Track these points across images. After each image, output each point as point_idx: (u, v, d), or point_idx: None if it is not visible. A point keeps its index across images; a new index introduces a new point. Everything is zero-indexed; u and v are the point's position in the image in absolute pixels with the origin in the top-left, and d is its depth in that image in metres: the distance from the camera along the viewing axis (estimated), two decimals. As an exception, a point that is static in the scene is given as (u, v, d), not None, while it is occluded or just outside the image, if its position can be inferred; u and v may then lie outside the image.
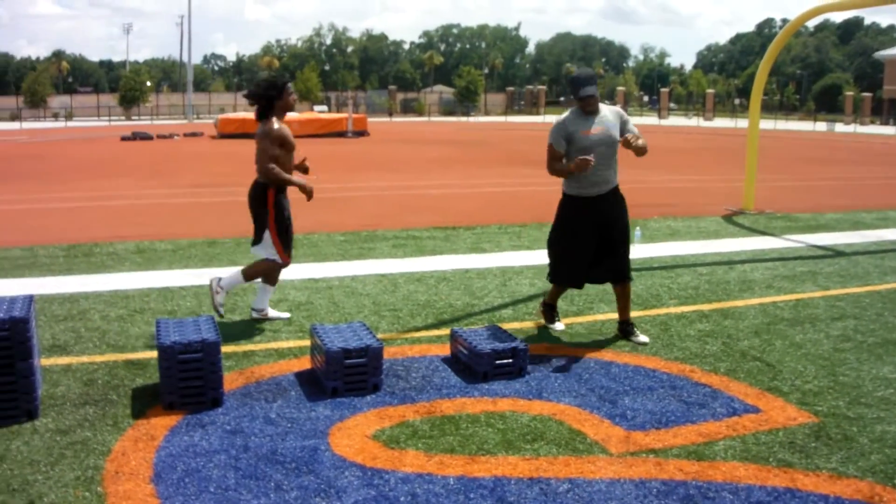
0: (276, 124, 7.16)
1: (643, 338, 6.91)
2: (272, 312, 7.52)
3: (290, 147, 7.26)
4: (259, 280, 7.51)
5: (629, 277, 6.95)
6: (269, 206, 7.22)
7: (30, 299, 5.63)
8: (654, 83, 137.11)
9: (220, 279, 7.29)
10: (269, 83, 7.29)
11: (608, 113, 6.73)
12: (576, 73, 6.81)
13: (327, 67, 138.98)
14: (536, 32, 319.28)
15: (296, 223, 12.80)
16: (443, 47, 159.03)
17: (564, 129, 6.72)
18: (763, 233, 12.85)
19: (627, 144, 6.57)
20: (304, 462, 4.61)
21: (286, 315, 7.56)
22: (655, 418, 5.28)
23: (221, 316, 7.31)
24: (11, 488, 4.33)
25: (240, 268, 7.56)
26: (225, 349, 5.98)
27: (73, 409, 5.41)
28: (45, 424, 5.16)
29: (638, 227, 11.44)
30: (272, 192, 7.20)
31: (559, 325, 7.30)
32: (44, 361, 6.21)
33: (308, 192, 7.29)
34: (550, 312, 7.36)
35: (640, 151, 6.64)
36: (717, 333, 7.19)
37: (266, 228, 7.26)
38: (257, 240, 7.33)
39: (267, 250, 7.32)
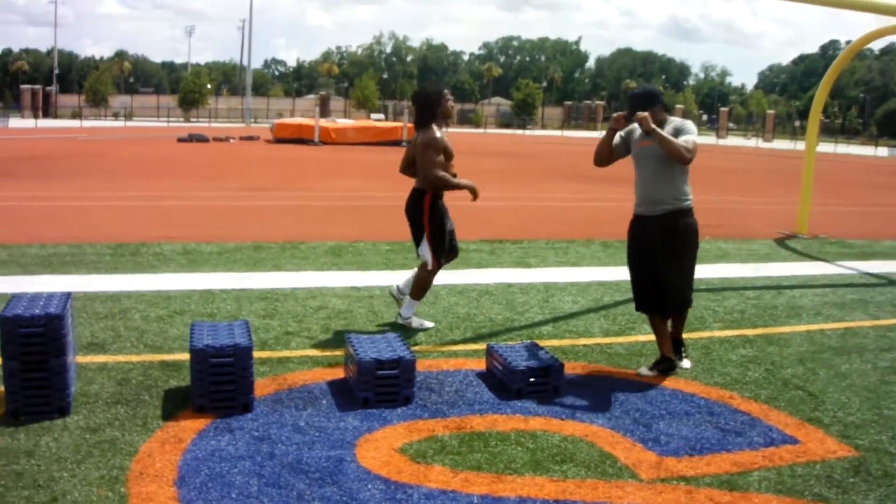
0: (437, 132, 7.30)
1: (686, 363, 6.76)
2: (415, 320, 7.65)
3: (450, 155, 7.42)
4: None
5: (667, 313, 6.64)
6: (425, 212, 7.39)
7: (67, 296, 5.66)
8: (714, 102, 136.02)
9: (402, 298, 7.70)
10: (428, 91, 7.52)
11: (668, 128, 6.41)
12: (632, 92, 6.62)
13: (386, 76, 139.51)
14: (597, 47, 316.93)
15: (344, 231, 12.84)
16: (502, 59, 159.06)
17: (628, 130, 6.59)
18: (815, 258, 12.61)
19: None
20: (329, 473, 4.57)
21: (430, 324, 7.66)
22: (690, 445, 5.16)
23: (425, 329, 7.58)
24: (37, 484, 4.36)
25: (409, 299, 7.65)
26: (260, 354, 5.97)
27: (105, 408, 5.43)
28: (76, 422, 5.19)
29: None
30: (429, 197, 7.37)
31: (685, 363, 6.81)
32: (80, 359, 6.24)
33: (475, 193, 7.49)
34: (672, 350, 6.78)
35: (662, 141, 6.18)
36: (761, 360, 7.03)
37: (423, 233, 7.46)
38: (419, 244, 7.56)
39: (425, 253, 7.51)
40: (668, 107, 6.69)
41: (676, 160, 6.26)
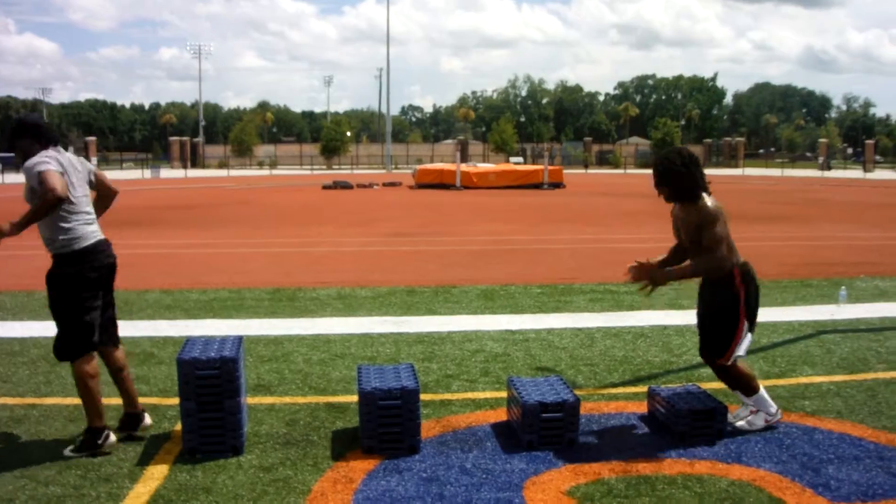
0: (708, 201, 5.89)
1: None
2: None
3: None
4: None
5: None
6: (736, 289, 5.95)
7: (239, 340, 5.89)
8: (859, 135, 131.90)
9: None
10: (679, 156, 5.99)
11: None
12: None
13: (522, 119, 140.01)
14: (734, 83, 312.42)
15: (494, 274, 12.93)
16: (638, 98, 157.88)
17: None
18: (981, 296, 12.07)
19: None
20: (499, 514, 4.61)
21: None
22: (861, 490, 5.00)
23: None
24: (217, 521, 4.53)
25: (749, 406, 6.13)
26: (423, 397, 6.07)
27: (276, 448, 5.62)
28: (249, 461, 5.39)
29: (843, 287, 10.98)
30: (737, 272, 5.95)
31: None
32: (249, 400, 6.46)
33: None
34: None
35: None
36: (931, 402, 6.77)
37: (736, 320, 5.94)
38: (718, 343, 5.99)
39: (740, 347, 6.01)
40: (50, 137, 5.56)
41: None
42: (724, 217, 5.85)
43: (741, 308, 5.91)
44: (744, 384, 6.04)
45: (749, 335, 5.99)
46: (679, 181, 5.92)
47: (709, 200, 5.88)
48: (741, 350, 5.97)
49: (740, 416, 6.11)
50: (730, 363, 5.97)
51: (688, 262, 5.99)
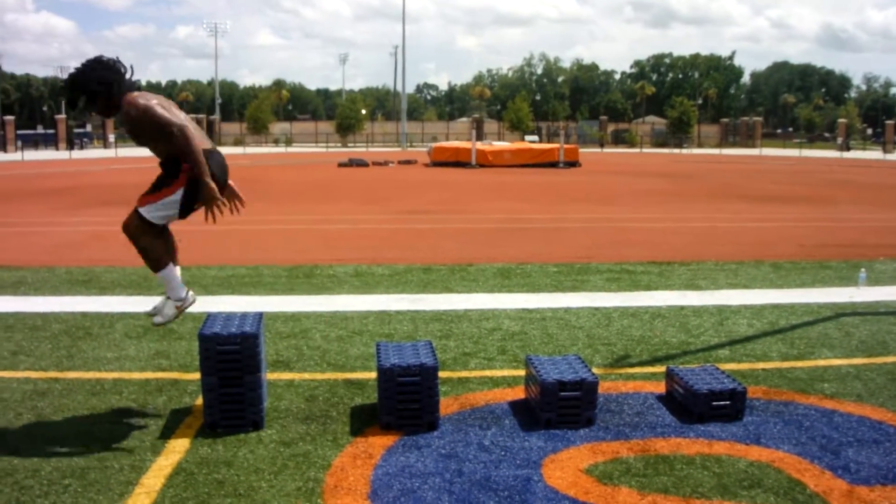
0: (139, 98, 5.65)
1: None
2: None
3: None
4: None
5: None
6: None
7: (259, 316, 5.92)
8: (879, 115, 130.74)
9: None
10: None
11: None
12: None
13: (538, 97, 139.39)
14: (751, 62, 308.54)
15: (511, 253, 12.89)
16: (654, 77, 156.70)
17: None
18: None
19: None
20: (517, 491, 4.63)
21: None
22: (882, 473, 4.99)
23: None
24: (238, 493, 4.59)
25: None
26: (441, 374, 6.09)
27: (296, 423, 5.66)
28: (270, 435, 5.43)
29: (863, 269, 10.94)
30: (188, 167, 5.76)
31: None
32: (269, 376, 6.49)
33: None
34: None
35: None
36: (952, 385, 6.75)
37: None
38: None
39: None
40: None
41: None
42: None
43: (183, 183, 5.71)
44: (151, 255, 5.75)
45: (175, 213, 5.81)
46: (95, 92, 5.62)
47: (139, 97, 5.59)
48: (164, 211, 5.73)
49: (157, 310, 5.91)
50: (144, 215, 5.66)
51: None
